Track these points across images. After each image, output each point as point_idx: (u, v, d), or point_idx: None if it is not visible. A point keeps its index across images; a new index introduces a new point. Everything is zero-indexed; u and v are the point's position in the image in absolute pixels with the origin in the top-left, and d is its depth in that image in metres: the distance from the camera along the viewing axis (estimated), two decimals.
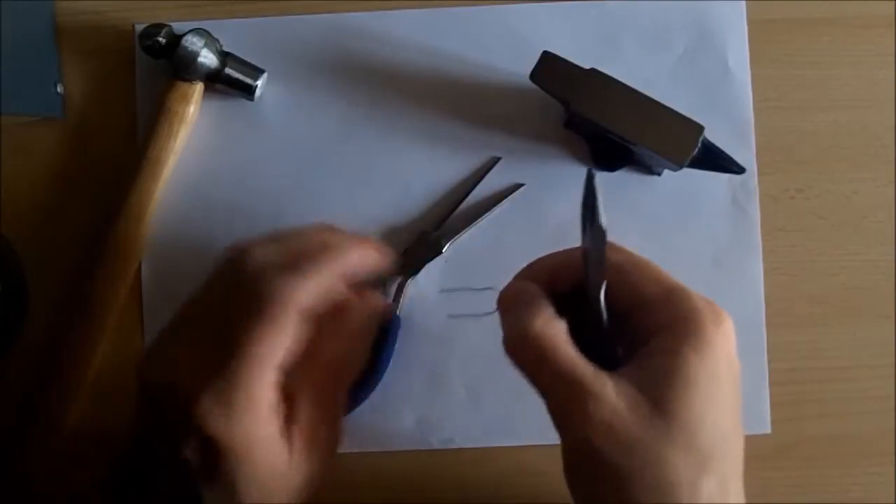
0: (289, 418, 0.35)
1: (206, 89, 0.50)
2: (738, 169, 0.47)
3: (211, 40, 0.49)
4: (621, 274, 0.35)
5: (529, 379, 0.34)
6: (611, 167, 0.50)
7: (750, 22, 0.51)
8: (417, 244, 0.50)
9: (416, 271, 0.50)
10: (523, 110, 0.50)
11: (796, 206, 0.50)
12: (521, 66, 0.47)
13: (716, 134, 0.46)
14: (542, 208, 0.50)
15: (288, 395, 0.35)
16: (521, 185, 0.50)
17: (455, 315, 0.50)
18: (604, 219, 0.31)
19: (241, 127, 0.51)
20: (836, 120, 0.51)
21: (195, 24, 0.49)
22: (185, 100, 0.49)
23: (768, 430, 0.49)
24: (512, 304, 0.35)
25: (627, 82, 0.45)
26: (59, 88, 0.51)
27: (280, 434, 0.35)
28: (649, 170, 0.50)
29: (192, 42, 0.48)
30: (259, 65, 0.50)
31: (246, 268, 0.36)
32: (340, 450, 0.38)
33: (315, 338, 0.36)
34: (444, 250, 0.50)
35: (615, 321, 0.34)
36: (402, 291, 0.49)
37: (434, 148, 0.51)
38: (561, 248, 0.50)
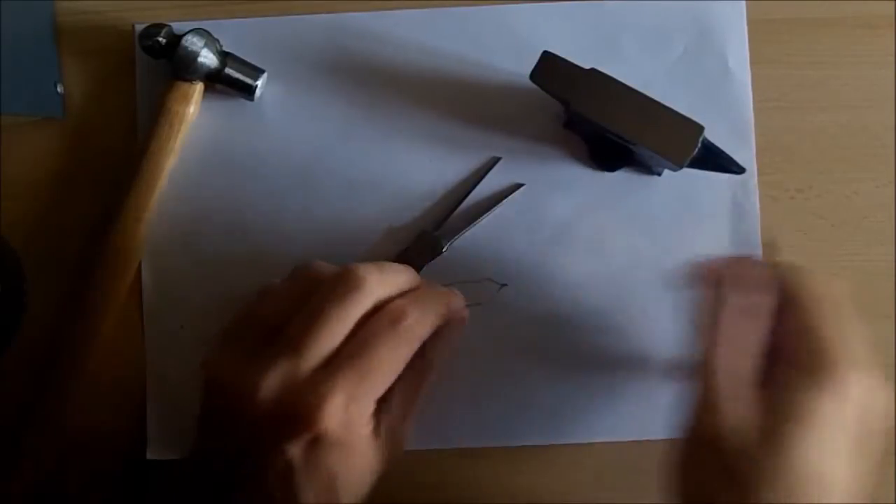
0: (378, 413, 0.38)
1: (206, 89, 0.50)
2: (738, 169, 0.47)
3: (211, 40, 0.49)
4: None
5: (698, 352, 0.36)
6: (611, 167, 0.50)
7: (750, 22, 0.51)
8: (417, 244, 0.50)
9: (416, 271, 0.49)
10: (523, 110, 0.50)
11: (796, 206, 0.50)
12: (521, 66, 0.47)
13: (716, 134, 0.46)
14: (542, 208, 0.50)
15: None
16: (521, 185, 0.50)
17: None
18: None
19: (241, 127, 0.51)
20: (836, 120, 0.51)
21: (195, 24, 0.50)
22: (185, 100, 0.49)
23: None
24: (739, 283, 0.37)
25: (627, 82, 0.45)
26: (59, 88, 0.51)
27: (374, 429, 0.38)
28: (649, 170, 0.50)
29: (192, 42, 0.48)
30: (259, 65, 0.50)
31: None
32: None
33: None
34: (444, 250, 0.50)
35: None
36: None
37: (434, 148, 0.51)
38: (560, 248, 0.50)
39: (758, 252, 0.50)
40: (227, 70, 0.49)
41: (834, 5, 0.51)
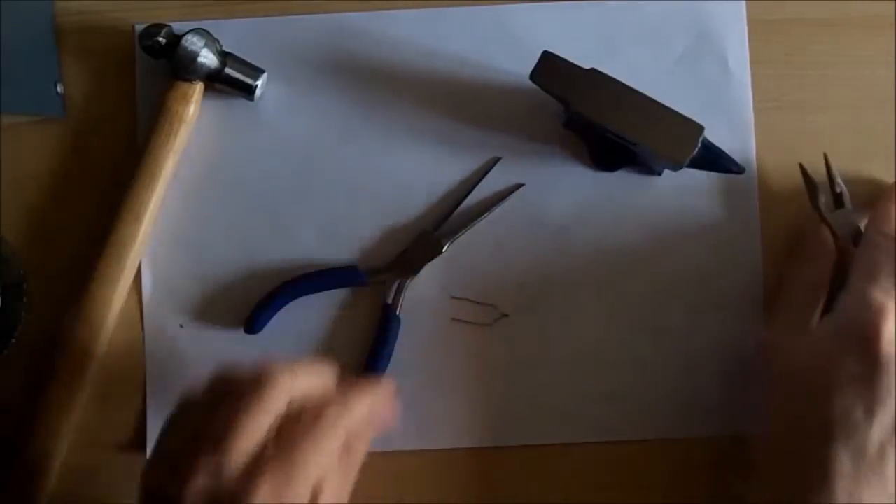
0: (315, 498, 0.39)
1: (206, 89, 0.50)
2: (738, 169, 0.47)
3: (211, 40, 0.49)
4: None
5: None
6: (611, 167, 0.50)
7: (750, 22, 0.51)
8: (417, 244, 0.50)
9: (416, 271, 0.50)
10: (523, 110, 0.50)
11: (796, 206, 0.50)
12: (521, 66, 0.47)
13: (716, 134, 0.46)
14: (542, 208, 0.50)
15: None
16: (521, 184, 0.50)
17: (457, 318, 0.50)
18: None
19: (241, 127, 0.51)
20: (836, 120, 0.51)
21: (195, 24, 0.50)
22: (185, 100, 0.49)
23: None
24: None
25: (627, 82, 0.45)
26: (59, 88, 0.51)
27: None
28: (649, 170, 0.50)
29: (192, 42, 0.48)
30: (259, 65, 0.50)
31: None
32: None
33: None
34: (444, 250, 0.50)
35: None
36: (402, 291, 0.49)
37: (434, 148, 0.51)
38: (561, 248, 0.50)
39: (758, 252, 0.50)
40: (227, 70, 0.49)
41: (834, 5, 0.51)
